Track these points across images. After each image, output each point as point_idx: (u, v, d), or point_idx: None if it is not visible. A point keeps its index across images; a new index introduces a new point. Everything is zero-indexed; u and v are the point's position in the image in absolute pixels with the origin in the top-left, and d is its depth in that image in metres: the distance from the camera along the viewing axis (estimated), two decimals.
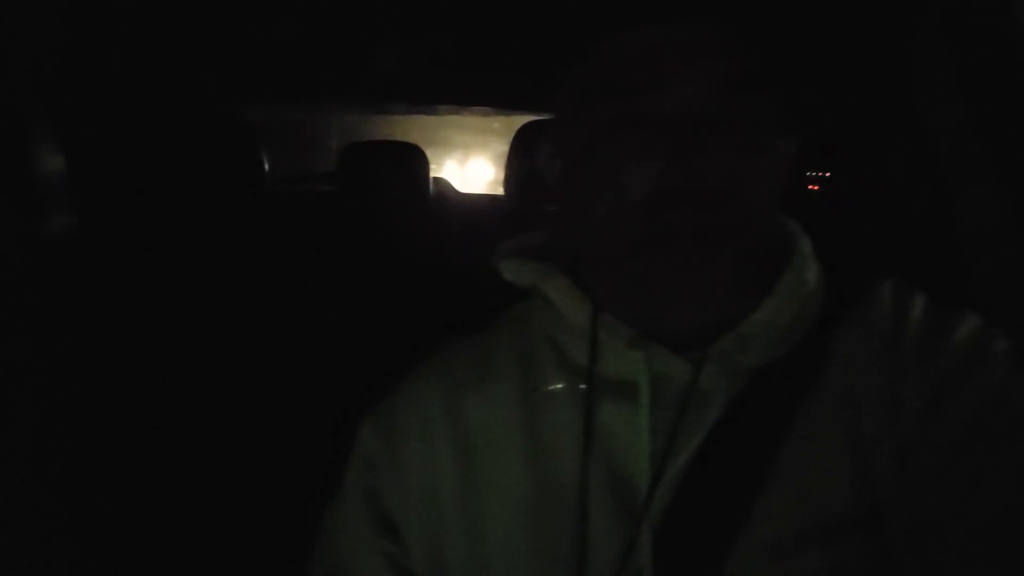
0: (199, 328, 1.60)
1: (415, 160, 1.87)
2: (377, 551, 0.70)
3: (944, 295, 0.67)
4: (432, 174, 1.95)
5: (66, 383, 1.27)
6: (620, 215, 0.59)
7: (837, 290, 0.67)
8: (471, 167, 3.92)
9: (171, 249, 1.69)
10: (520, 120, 2.02)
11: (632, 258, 0.59)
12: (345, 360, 1.49)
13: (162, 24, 1.56)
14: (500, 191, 2.02)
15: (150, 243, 1.67)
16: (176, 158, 1.76)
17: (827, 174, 1.91)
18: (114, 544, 1.32)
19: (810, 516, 0.60)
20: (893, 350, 0.62)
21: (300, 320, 1.63)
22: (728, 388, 0.63)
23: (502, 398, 0.69)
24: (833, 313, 0.66)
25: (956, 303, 0.65)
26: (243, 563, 1.36)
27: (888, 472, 0.60)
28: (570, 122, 0.64)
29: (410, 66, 1.94)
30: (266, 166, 1.85)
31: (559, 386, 0.67)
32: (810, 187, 1.94)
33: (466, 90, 2.25)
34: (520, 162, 1.89)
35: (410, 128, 3.18)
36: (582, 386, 0.66)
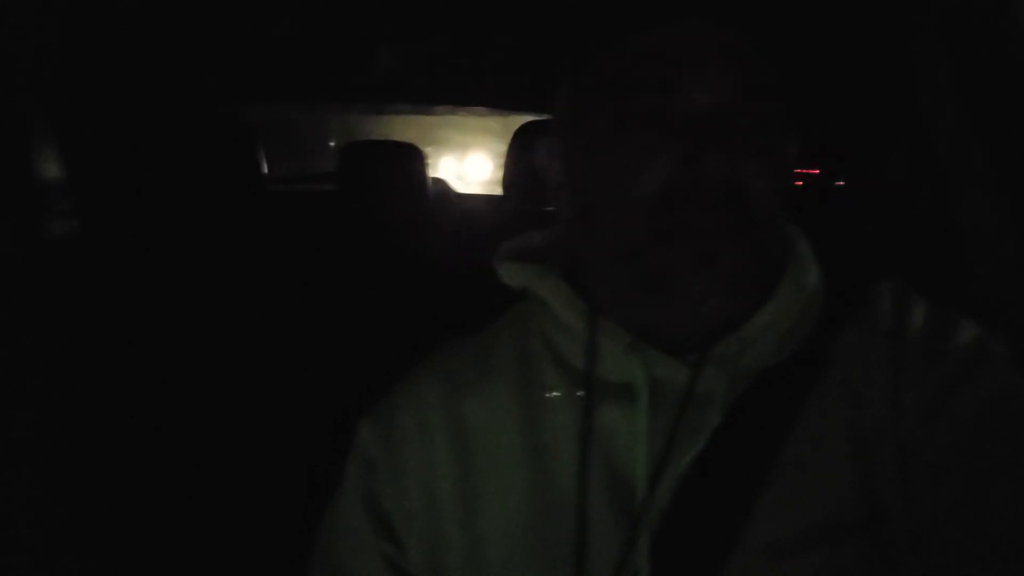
0: (198, 328, 1.60)
1: (413, 160, 1.87)
2: (376, 552, 0.70)
3: (944, 296, 0.67)
4: (430, 174, 1.95)
5: (66, 383, 1.27)
6: (630, 212, 0.59)
7: (837, 292, 0.67)
8: (468, 167, 3.92)
9: (170, 249, 1.69)
10: (517, 120, 2.02)
11: (640, 254, 0.59)
12: (344, 361, 1.49)
13: (162, 24, 1.56)
14: (498, 191, 2.02)
15: (150, 243, 1.66)
16: (176, 158, 1.76)
17: (815, 171, 1.91)
18: (115, 544, 1.32)
19: (810, 517, 0.60)
20: (894, 352, 0.63)
21: (299, 320, 1.63)
22: (727, 391, 0.63)
23: (501, 399, 0.69)
24: (833, 315, 0.66)
25: (956, 304, 0.66)
26: (243, 563, 1.36)
27: (889, 473, 0.60)
28: (579, 119, 0.64)
29: (409, 66, 1.95)
30: (265, 166, 1.85)
31: (556, 392, 0.67)
32: (795, 183, 1.94)
33: (464, 90, 2.25)
34: (518, 162, 1.89)
35: (408, 128, 3.18)
36: (579, 393, 0.66)
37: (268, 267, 1.73)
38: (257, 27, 1.67)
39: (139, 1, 1.45)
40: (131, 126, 1.70)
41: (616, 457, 0.64)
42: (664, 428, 0.63)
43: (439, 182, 2.38)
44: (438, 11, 1.57)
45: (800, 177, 1.92)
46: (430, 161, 1.94)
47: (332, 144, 3.28)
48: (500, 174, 2.00)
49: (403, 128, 3.15)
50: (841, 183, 1.84)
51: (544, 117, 1.97)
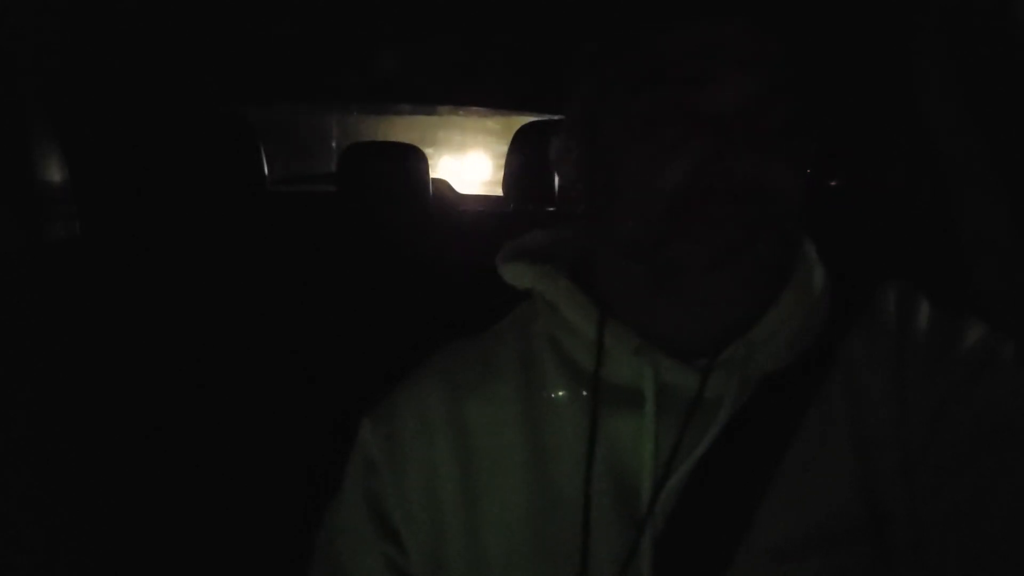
0: (199, 328, 1.59)
1: (414, 161, 1.87)
2: (377, 553, 0.70)
3: (944, 296, 0.67)
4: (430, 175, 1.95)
5: (67, 384, 1.27)
6: (651, 206, 0.59)
7: (842, 295, 0.67)
8: (468, 167, 3.92)
9: (171, 249, 1.69)
10: (518, 121, 2.02)
11: (658, 249, 0.59)
12: (345, 361, 1.49)
13: (162, 24, 1.56)
14: (498, 192, 2.02)
15: (150, 243, 1.66)
16: (176, 158, 1.76)
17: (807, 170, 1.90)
18: (115, 545, 1.32)
19: (814, 520, 0.60)
20: (899, 355, 0.62)
21: (300, 321, 1.63)
22: (734, 395, 0.63)
23: (503, 400, 0.69)
24: (839, 318, 0.66)
25: (956, 304, 0.65)
26: (244, 564, 1.36)
27: (893, 477, 0.60)
28: (601, 115, 0.63)
29: (410, 66, 1.94)
30: (266, 166, 1.85)
31: (561, 393, 0.67)
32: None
33: (465, 91, 2.25)
34: (519, 163, 1.89)
35: (408, 128, 3.19)
36: (584, 392, 0.66)
37: (269, 268, 1.73)
38: (257, 27, 1.67)
39: (139, 1, 1.45)
40: (131, 126, 1.70)
41: (621, 459, 0.64)
42: (669, 431, 0.63)
43: (440, 183, 2.38)
44: (438, 11, 1.57)
45: None
46: (430, 161, 1.94)
47: (334, 145, 3.29)
48: (500, 175, 2.00)
49: (404, 128, 3.16)
50: (834, 183, 1.84)
51: (545, 118, 1.97)
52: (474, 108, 2.63)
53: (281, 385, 1.55)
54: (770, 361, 0.64)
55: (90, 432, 1.31)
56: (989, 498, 0.56)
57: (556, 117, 1.92)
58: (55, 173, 1.33)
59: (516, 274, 0.71)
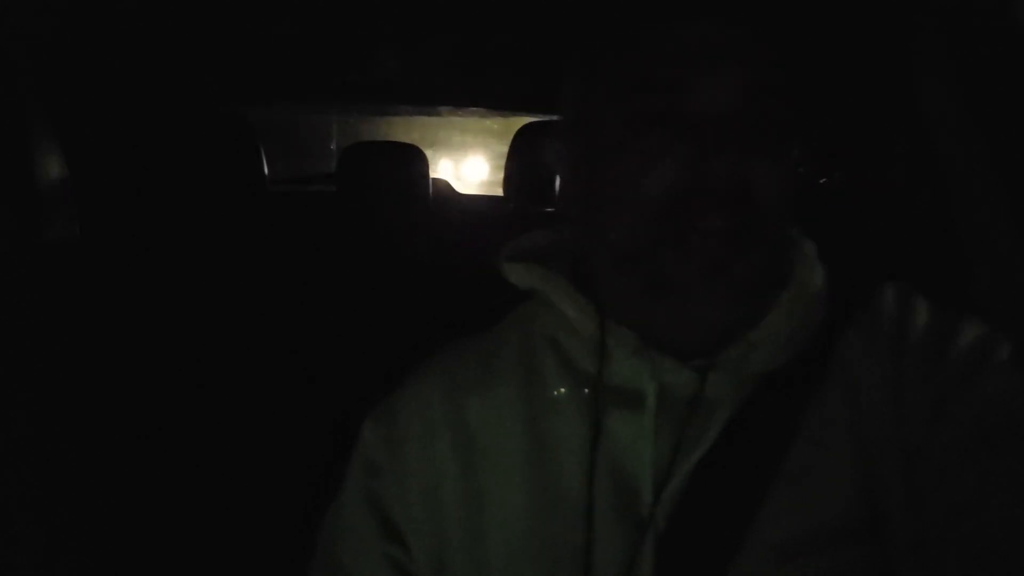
0: (199, 329, 1.59)
1: (414, 161, 1.87)
2: (378, 553, 0.70)
3: (944, 296, 0.67)
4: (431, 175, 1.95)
5: (67, 384, 1.27)
6: (638, 213, 0.59)
7: (841, 294, 0.67)
8: (468, 168, 3.92)
9: (171, 249, 1.69)
10: (518, 121, 2.02)
11: (647, 258, 0.59)
12: (346, 362, 1.49)
13: (162, 24, 1.56)
14: (498, 192, 2.02)
15: (150, 243, 1.66)
16: (176, 158, 1.76)
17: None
18: (115, 545, 1.32)
19: (814, 520, 0.60)
20: (898, 355, 0.62)
21: (301, 321, 1.63)
22: (733, 395, 0.63)
23: (504, 399, 0.69)
24: (837, 318, 0.66)
25: (956, 304, 0.65)
26: (244, 564, 1.36)
27: (893, 477, 0.60)
28: (587, 119, 0.63)
29: (410, 67, 1.94)
30: (266, 167, 1.85)
31: (562, 391, 0.67)
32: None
33: (465, 91, 2.25)
34: (519, 163, 1.89)
35: (408, 128, 3.19)
36: (586, 391, 0.66)
37: (269, 268, 1.73)
38: (257, 27, 1.67)
39: (139, 1, 1.45)
40: (131, 127, 1.70)
41: (621, 459, 0.64)
42: (669, 431, 0.63)
43: (440, 183, 2.38)
44: (438, 11, 1.57)
45: None
46: (430, 162, 1.94)
47: (334, 146, 3.29)
48: (500, 175, 2.00)
49: (404, 129, 3.15)
50: (823, 180, 1.84)
51: (545, 118, 1.97)
52: (474, 108, 2.63)
53: (281, 385, 1.55)
54: (768, 361, 0.64)
55: (90, 432, 1.31)
56: (988, 497, 0.56)
57: (556, 117, 1.91)
58: (55, 173, 1.33)
59: (517, 274, 0.71)
